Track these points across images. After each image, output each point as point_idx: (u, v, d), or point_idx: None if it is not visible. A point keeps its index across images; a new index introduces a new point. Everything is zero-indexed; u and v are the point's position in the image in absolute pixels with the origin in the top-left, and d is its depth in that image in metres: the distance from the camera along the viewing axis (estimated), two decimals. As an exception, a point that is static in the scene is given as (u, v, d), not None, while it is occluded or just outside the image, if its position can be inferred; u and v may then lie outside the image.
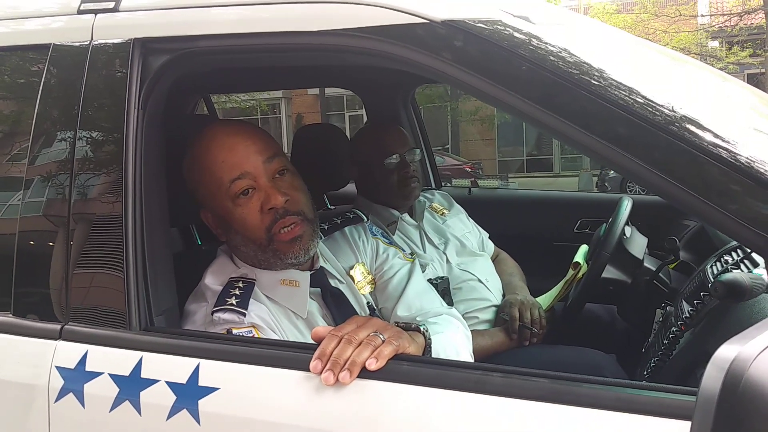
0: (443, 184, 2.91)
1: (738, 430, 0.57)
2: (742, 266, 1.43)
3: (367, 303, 1.42)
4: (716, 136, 0.86)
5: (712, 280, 1.39)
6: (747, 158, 0.84)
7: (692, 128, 0.87)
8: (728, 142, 0.86)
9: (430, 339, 1.13)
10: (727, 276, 1.04)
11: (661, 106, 0.89)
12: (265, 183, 1.25)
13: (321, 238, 1.45)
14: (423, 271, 1.81)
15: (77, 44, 1.20)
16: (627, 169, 0.89)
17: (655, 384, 0.86)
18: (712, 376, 0.59)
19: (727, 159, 0.84)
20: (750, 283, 1.02)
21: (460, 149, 19.45)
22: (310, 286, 1.31)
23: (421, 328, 1.13)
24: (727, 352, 0.60)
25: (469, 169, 15.63)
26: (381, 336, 0.98)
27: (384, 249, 1.53)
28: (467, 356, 1.30)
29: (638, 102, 0.89)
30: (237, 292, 1.23)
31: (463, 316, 1.52)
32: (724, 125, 0.90)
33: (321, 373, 0.93)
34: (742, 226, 0.82)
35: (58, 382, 1.07)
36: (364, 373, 0.93)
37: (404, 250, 1.59)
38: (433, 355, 1.14)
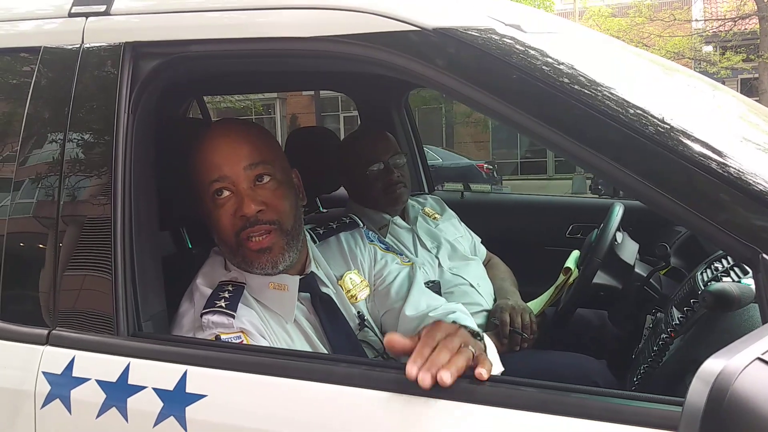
0: (435, 188, 2.91)
1: (723, 444, 0.58)
2: (732, 274, 1.43)
3: (357, 312, 1.40)
4: (706, 146, 0.87)
5: (702, 287, 1.39)
6: (736, 169, 0.84)
7: (682, 139, 0.87)
8: (717, 152, 0.86)
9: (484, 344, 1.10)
10: (716, 286, 1.04)
11: (652, 116, 0.89)
12: (243, 189, 1.24)
13: (316, 242, 1.45)
14: None
15: (68, 47, 1.20)
16: (617, 179, 0.89)
17: (642, 394, 0.86)
18: (698, 390, 0.59)
19: (716, 170, 0.84)
20: (738, 294, 1.02)
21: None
22: (300, 291, 1.31)
23: (480, 334, 1.10)
24: (712, 365, 0.60)
25: (463, 172, 15.57)
26: (472, 349, 0.96)
27: (382, 255, 1.52)
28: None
29: (629, 112, 0.89)
30: (226, 295, 1.23)
31: (454, 321, 1.51)
32: (714, 135, 0.90)
33: (416, 376, 0.89)
34: (730, 236, 0.82)
35: (45, 387, 1.06)
36: (351, 381, 0.93)
37: (401, 255, 1.58)
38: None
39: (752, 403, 0.57)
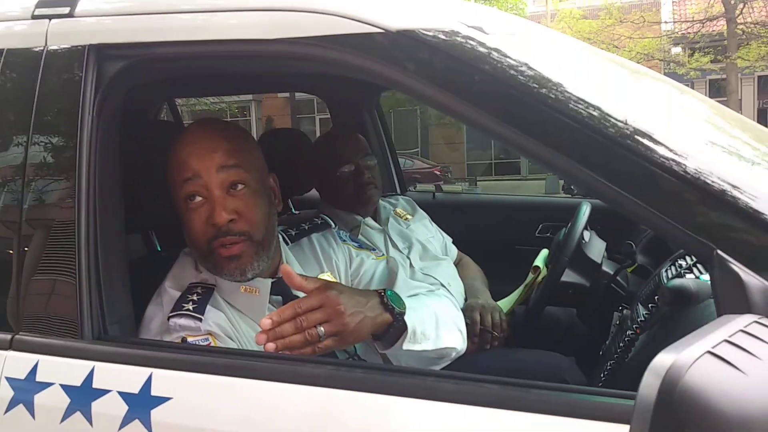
0: (408, 188, 2.92)
1: (674, 436, 0.59)
2: (695, 270, 1.46)
3: None
4: (665, 147, 0.88)
5: (666, 282, 1.42)
6: (693, 168, 0.86)
7: (643, 140, 0.88)
8: (676, 152, 0.88)
9: (400, 317, 1.18)
10: (674, 282, 1.07)
11: (614, 118, 0.90)
12: (215, 195, 1.22)
13: (288, 244, 1.45)
14: None
15: (31, 49, 1.18)
16: (577, 178, 0.91)
17: (602, 389, 0.88)
18: (649, 383, 0.61)
19: (674, 169, 0.86)
20: (695, 289, 1.04)
21: (429, 153, 19.55)
22: (272, 294, 1.30)
23: (395, 311, 1.17)
24: (664, 359, 0.61)
25: (438, 173, 15.76)
26: (321, 331, 1.07)
27: (357, 253, 1.51)
28: (450, 324, 1.32)
29: (591, 114, 0.91)
30: (195, 298, 1.23)
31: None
32: (674, 136, 0.92)
33: (267, 331, 1.03)
34: (686, 234, 0.84)
35: (8, 392, 1.05)
36: (317, 381, 0.93)
37: (373, 250, 1.58)
38: (411, 327, 1.19)
39: (702, 396, 0.58)
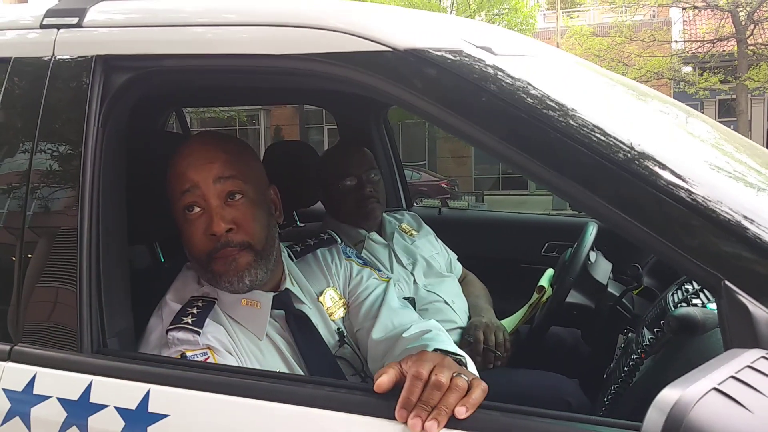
0: (414, 202, 2.91)
1: (677, 473, 0.58)
2: (702, 296, 1.44)
3: (337, 329, 1.39)
4: (672, 173, 0.87)
5: (673, 308, 1.40)
6: (701, 196, 0.85)
7: (651, 166, 0.87)
8: (684, 179, 0.87)
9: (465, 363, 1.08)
10: (680, 311, 1.05)
11: (622, 143, 0.89)
12: (213, 205, 1.22)
13: (294, 260, 1.44)
14: None
15: (38, 59, 1.19)
16: (584, 203, 0.90)
17: (604, 419, 0.86)
18: (654, 419, 0.59)
19: (682, 197, 0.84)
20: (702, 319, 1.03)
21: (437, 166, 19.58)
22: (273, 308, 1.30)
23: (463, 362, 1.06)
24: (669, 395, 0.60)
25: (445, 186, 15.78)
26: (464, 377, 0.92)
27: (358, 271, 1.50)
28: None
29: (599, 138, 0.90)
30: (194, 311, 1.22)
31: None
32: (682, 163, 0.91)
33: (406, 420, 0.87)
34: (694, 263, 0.83)
35: (5, 404, 1.04)
36: (315, 402, 0.92)
37: (379, 270, 1.56)
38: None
39: (706, 434, 0.57)
